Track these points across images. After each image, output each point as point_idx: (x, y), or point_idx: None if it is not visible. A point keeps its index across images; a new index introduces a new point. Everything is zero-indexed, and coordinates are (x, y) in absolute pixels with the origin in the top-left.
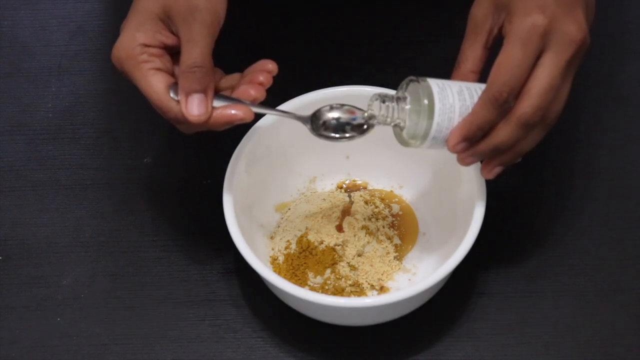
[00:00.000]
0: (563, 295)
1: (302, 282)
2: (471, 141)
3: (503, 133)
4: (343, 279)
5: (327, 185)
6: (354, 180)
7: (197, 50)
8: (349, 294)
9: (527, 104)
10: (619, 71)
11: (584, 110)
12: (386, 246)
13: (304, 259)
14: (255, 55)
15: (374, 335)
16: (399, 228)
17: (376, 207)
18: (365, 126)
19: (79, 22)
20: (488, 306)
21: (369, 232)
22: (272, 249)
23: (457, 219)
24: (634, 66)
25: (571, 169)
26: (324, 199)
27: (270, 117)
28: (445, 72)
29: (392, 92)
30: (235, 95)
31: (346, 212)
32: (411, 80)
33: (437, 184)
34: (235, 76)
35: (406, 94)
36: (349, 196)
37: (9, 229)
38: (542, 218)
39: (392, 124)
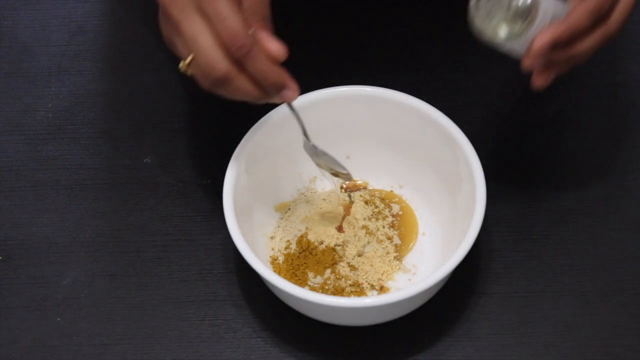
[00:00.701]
0: (563, 295)
1: (302, 282)
2: (557, 46)
3: (587, 44)
4: (343, 279)
5: (327, 185)
6: (354, 181)
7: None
8: (349, 294)
9: (616, 20)
10: (619, 71)
11: (583, 110)
12: (386, 246)
13: (304, 259)
14: None
15: (374, 335)
16: (399, 228)
17: (376, 207)
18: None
19: (79, 22)
20: (488, 306)
21: (369, 232)
22: (272, 249)
23: (457, 219)
24: (634, 66)
25: (571, 169)
26: (324, 199)
27: (270, 118)
28: (446, 72)
29: None
30: None
31: (346, 212)
32: None
33: (437, 184)
34: None
35: None
36: (349, 196)
37: (9, 229)
38: (542, 218)
39: (493, 20)
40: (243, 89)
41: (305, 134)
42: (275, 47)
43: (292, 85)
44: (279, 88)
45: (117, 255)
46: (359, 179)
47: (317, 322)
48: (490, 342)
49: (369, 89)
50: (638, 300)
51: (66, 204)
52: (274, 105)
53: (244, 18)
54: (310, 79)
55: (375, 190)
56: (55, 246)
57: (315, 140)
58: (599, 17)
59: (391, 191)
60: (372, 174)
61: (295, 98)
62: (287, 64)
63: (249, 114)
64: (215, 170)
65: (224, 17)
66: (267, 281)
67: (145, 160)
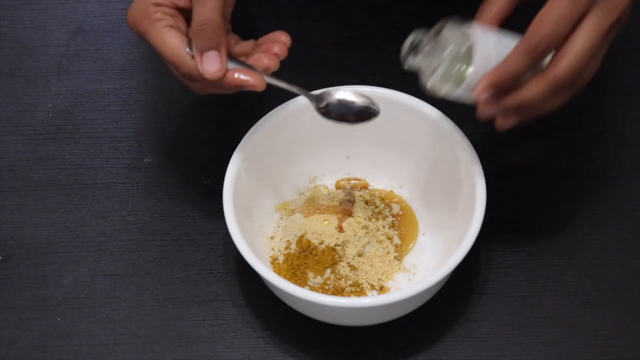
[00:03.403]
0: (563, 295)
1: (302, 282)
2: (498, 90)
3: (533, 90)
4: (343, 279)
5: (327, 185)
6: (354, 179)
7: (206, 7)
8: (349, 294)
9: (564, 65)
10: (619, 71)
11: (583, 110)
12: (386, 246)
13: (304, 259)
14: None
15: (374, 335)
16: (399, 228)
17: (376, 207)
18: (367, 114)
19: (79, 22)
20: (488, 306)
21: (369, 232)
22: (272, 249)
23: (457, 219)
24: (634, 66)
25: (571, 169)
26: (323, 199)
27: (270, 118)
28: None
29: (420, 33)
30: (249, 62)
31: (346, 212)
32: (448, 23)
33: (437, 184)
34: (249, 43)
35: (444, 36)
36: (349, 196)
37: (9, 229)
38: (542, 218)
39: (428, 70)
40: (209, 91)
41: (307, 97)
42: (209, 72)
43: (248, 82)
44: (239, 88)
45: (117, 255)
46: (359, 179)
47: (317, 322)
48: (490, 342)
49: (369, 89)
50: (638, 300)
51: (66, 204)
52: (274, 105)
53: (178, 45)
54: (310, 78)
55: (375, 190)
56: (55, 246)
57: (315, 140)
58: (537, 56)
59: (391, 191)
60: (372, 174)
61: (261, 87)
62: (288, 64)
63: (249, 114)
64: (215, 170)
65: (164, 52)
66: (267, 281)
67: (145, 160)
